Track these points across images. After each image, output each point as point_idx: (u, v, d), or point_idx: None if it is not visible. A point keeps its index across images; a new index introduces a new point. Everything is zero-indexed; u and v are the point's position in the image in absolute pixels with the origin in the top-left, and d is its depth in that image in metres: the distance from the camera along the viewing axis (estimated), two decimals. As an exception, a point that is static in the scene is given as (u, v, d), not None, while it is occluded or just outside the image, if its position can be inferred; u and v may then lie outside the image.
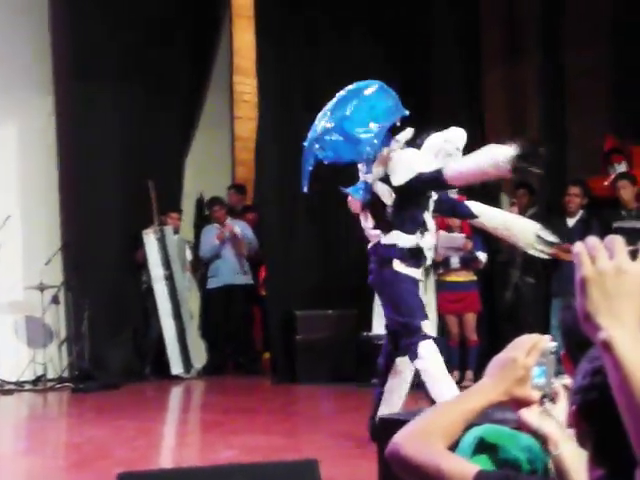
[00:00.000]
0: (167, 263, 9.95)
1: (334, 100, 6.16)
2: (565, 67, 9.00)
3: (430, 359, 5.77)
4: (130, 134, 9.94)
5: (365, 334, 9.09)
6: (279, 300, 9.73)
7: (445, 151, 6.06)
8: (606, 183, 8.91)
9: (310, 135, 6.11)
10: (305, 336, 9.36)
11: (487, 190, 9.50)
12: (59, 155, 9.99)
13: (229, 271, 10.36)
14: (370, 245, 6.15)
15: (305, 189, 6.08)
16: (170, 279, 9.95)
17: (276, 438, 6.53)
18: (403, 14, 9.85)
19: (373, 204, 6.06)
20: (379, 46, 9.86)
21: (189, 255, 10.50)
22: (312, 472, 3.04)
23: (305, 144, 6.11)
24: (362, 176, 6.11)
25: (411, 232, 6.00)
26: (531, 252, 6.30)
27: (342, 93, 6.15)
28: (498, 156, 5.67)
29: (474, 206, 6.38)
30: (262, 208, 10.39)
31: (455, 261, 8.96)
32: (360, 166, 6.14)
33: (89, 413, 8.05)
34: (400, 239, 5.98)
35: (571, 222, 8.67)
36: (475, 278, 9.01)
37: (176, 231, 10.25)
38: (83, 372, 9.55)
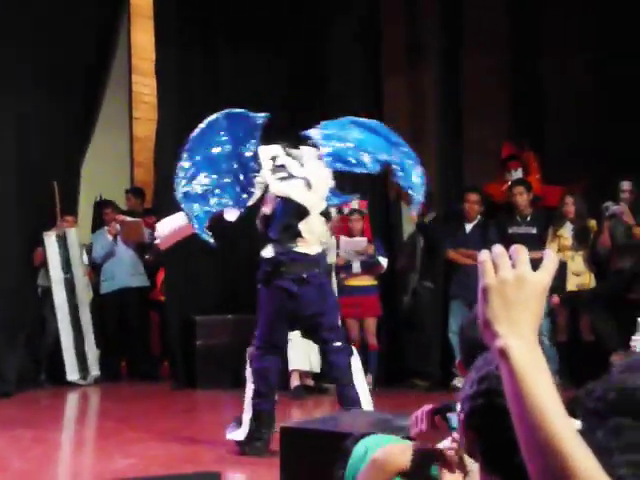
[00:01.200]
0: (68, 266, 9.74)
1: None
2: (464, 72, 9.14)
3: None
4: (26, 135, 9.69)
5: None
6: (178, 305, 9.62)
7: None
8: (504, 188, 9.10)
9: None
10: (205, 341, 9.28)
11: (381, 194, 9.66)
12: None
13: (124, 273, 10.16)
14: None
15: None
16: (70, 283, 9.74)
17: (176, 446, 6.44)
18: (302, 13, 9.88)
19: None
20: (275, 44, 9.86)
21: (85, 259, 10.29)
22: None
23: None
24: None
25: None
26: None
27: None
28: None
29: None
30: (161, 211, 10.24)
31: (356, 265, 9.01)
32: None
33: (-19, 422, 7.80)
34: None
35: (469, 227, 8.84)
36: (375, 283, 9.08)
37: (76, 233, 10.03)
38: (-26, 380, 9.26)
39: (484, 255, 1.39)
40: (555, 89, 9.61)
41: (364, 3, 9.79)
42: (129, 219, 10.17)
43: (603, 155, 8.90)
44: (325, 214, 6.13)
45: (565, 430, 1.28)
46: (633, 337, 3.69)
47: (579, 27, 9.36)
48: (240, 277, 9.74)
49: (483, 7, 9.67)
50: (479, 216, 8.87)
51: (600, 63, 9.13)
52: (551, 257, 1.39)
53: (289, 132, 6.34)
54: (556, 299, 8.51)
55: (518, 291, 1.34)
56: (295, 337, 8.51)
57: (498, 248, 1.38)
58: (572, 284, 8.54)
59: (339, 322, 6.31)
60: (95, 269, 10.39)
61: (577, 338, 8.62)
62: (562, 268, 8.28)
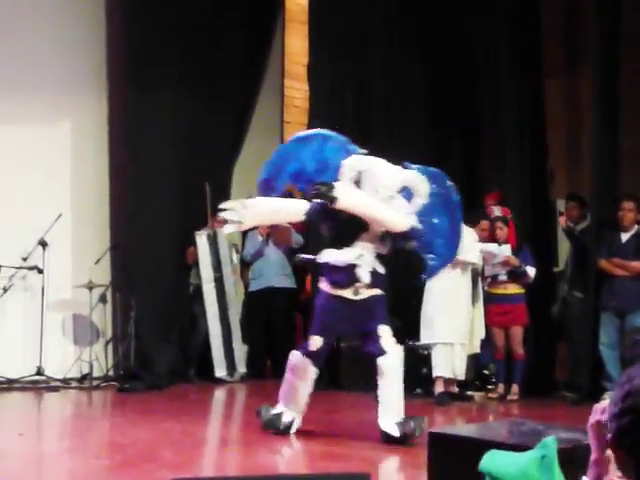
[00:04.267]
0: (218, 265, 9.99)
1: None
2: (621, 79, 8.88)
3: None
4: (183, 137, 10.00)
5: (410, 343, 9.00)
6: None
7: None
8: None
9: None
10: (350, 343, 9.32)
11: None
12: (111, 156, 10.07)
13: (272, 273, 10.35)
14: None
15: None
16: (219, 281, 9.99)
17: (320, 444, 6.44)
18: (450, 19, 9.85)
19: None
20: (424, 48, 9.87)
21: (235, 259, 10.52)
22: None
23: None
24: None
25: None
26: None
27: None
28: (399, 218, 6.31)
29: None
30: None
31: (503, 273, 8.89)
32: None
33: (134, 414, 8.06)
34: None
35: (625, 237, 8.56)
36: (523, 291, 8.93)
37: (226, 233, 10.29)
38: (128, 372, 9.61)
39: None
40: None
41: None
42: (281, 224, 10.35)
43: None
44: None
45: None
46: None
47: None
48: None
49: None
50: (636, 225, 8.59)
51: None
52: None
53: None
54: None
55: None
56: (438, 341, 8.48)
57: None
58: None
59: None
60: (246, 268, 10.61)
61: None
62: None
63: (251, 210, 6.46)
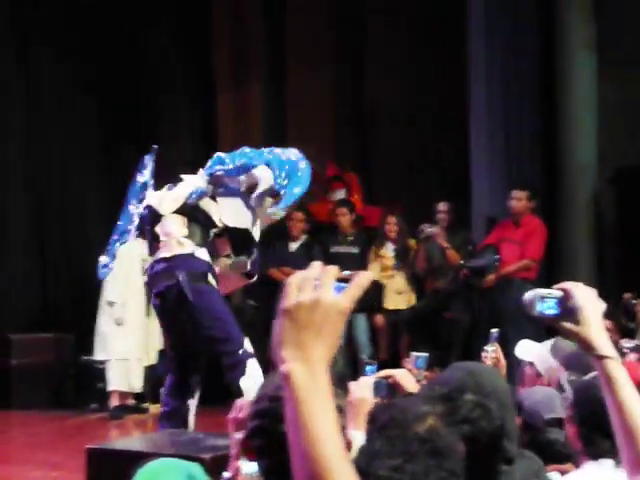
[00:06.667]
0: None
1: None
2: (288, 93, 9.24)
3: (256, 379, 5.32)
4: None
5: (85, 358, 8.85)
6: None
7: None
8: (328, 208, 9.21)
9: None
10: (21, 360, 8.96)
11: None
12: None
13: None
14: (165, 255, 5.63)
15: None
16: None
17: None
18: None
19: (196, 214, 5.70)
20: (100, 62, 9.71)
21: None
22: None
23: None
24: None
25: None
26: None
27: None
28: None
29: None
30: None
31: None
32: None
33: None
34: (206, 255, 5.66)
35: (294, 246, 8.89)
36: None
37: None
38: None
39: (292, 278, 1.36)
40: (379, 107, 9.84)
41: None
42: None
43: (426, 175, 9.19)
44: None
45: (336, 462, 1.28)
46: (485, 348, 3.81)
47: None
48: (60, 295, 9.51)
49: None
50: (304, 235, 8.94)
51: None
52: (357, 281, 1.37)
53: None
54: (380, 318, 8.70)
55: (311, 315, 1.32)
56: (113, 357, 8.36)
57: (305, 272, 1.37)
58: (393, 303, 8.74)
59: None
60: None
61: (398, 356, 8.80)
62: (378, 288, 8.46)
63: None
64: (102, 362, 8.56)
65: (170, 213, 5.64)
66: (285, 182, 5.82)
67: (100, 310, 8.42)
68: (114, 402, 8.44)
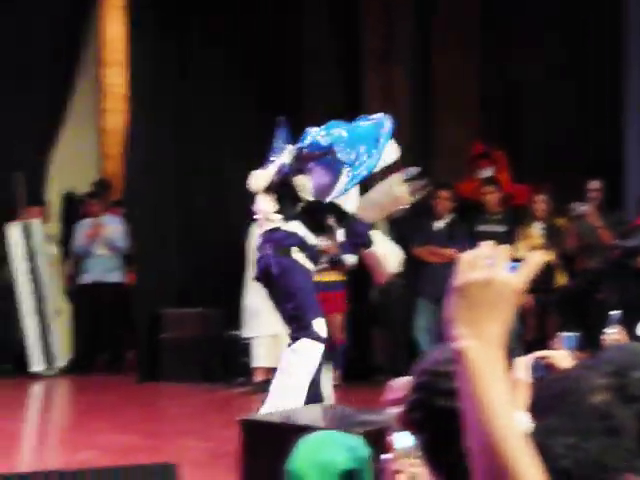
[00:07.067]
0: (31, 258, 9.66)
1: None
2: (434, 71, 9.14)
3: (302, 360, 5.41)
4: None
5: (232, 333, 9.03)
6: (145, 297, 9.57)
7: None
8: (474, 187, 9.10)
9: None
10: (171, 334, 9.23)
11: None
12: None
13: (99, 268, 10.13)
14: (259, 232, 5.85)
15: None
16: (34, 274, 9.66)
17: (137, 439, 6.40)
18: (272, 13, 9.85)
19: (284, 190, 5.75)
20: (247, 45, 9.82)
21: (54, 250, 10.21)
22: (169, 476, 2.97)
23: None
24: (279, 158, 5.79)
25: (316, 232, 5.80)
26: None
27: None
28: (394, 192, 5.73)
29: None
30: (130, 203, 10.21)
31: (323, 261, 8.97)
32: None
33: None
34: (301, 230, 5.73)
35: (438, 225, 8.82)
36: (342, 278, 9.02)
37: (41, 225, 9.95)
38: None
39: (465, 254, 1.38)
40: (524, 89, 9.63)
41: None
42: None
43: (574, 154, 8.95)
44: None
45: (512, 437, 1.29)
46: (605, 330, 3.71)
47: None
48: (209, 271, 9.72)
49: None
50: (449, 214, 8.85)
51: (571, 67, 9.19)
52: (531, 261, 1.37)
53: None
54: (528, 298, 8.55)
55: (484, 293, 1.33)
56: (262, 333, 8.49)
57: (482, 249, 1.37)
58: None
59: None
60: (73, 259, 10.35)
61: (545, 337, 8.64)
62: (550, 269, 8.30)
63: None
64: (249, 338, 8.72)
65: (261, 190, 5.73)
66: (360, 158, 5.68)
67: (249, 286, 8.55)
68: (259, 377, 8.58)
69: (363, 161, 5.67)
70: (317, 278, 8.90)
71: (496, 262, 1.35)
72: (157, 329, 9.35)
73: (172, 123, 9.79)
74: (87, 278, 10.16)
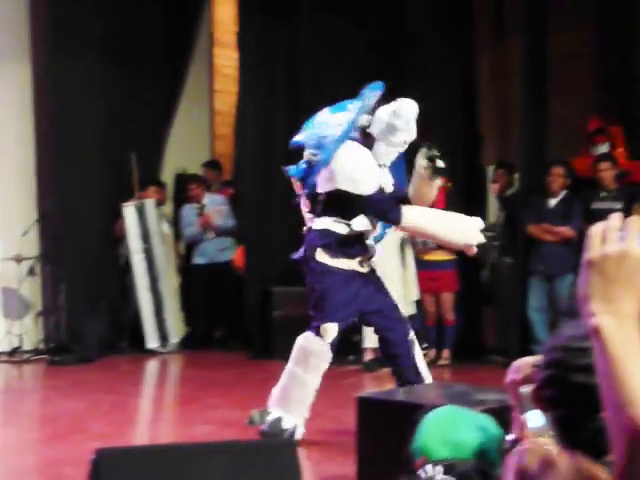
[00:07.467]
0: (146, 236, 9.88)
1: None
2: (549, 47, 8.94)
3: (306, 351, 5.79)
4: (111, 107, 9.82)
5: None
6: (256, 276, 9.69)
7: (393, 127, 5.66)
8: (589, 163, 8.89)
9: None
10: (282, 312, 9.33)
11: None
12: (36, 125, 9.85)
13: (213, 250, 10.32)
14: (305, 229, 5.89)
15: None
16: (148, 253, 9.89)
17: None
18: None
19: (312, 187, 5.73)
20: (362, 22, 9.78)
21: (167, 229, 10.42)
22: (290, 453, 3.02)
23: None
24: (306, 155, 5.81)
25: (346, 218, 5.68)
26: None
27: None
28: (468, 234, 5.66)
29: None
30: (239, 183, 10.34)
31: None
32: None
33: (65, 386, 7.98)
34: (330, 226, 5.68)
35: (552, 202, 8.65)
36: (453, 257, 8.95)
37: (158, 204, 10.16)
38: (59, 345, 9.49)
39: (595, 228, 1.35)
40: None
41: None
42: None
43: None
44: None
45: None
46: None
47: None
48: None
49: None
50: (564, 190, 8.67)
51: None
52: None
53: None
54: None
55: (619, 267, 1.31)
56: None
57: (612, 221, 1.34)
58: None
59: None
60: (185, 242, 10.61)
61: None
62: None
63: None
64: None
65: None
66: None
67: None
68: (368, 356, 8.62)
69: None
70: (426, 257, 8.92)
71: (628, 234, 1.31)
72: (268, 307, 9.47)
73: (283, 104, 9.85)
74: (200, 260, 10.35)
